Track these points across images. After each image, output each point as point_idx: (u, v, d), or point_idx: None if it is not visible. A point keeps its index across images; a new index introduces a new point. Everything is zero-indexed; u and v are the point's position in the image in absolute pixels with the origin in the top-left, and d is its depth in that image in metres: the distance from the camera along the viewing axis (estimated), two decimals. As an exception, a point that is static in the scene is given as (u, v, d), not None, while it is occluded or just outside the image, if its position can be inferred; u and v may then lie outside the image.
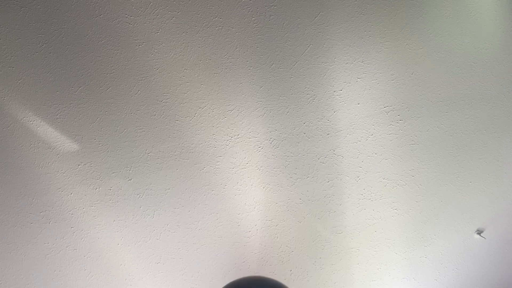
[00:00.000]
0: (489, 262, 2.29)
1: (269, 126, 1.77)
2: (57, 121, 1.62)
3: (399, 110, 1.84)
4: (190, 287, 1.94)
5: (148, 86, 1.63)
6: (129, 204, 1.77)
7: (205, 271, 1.90)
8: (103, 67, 1.58)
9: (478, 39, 1.85)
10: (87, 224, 1.77)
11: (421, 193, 2.00)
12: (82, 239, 1.79)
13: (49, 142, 1.64)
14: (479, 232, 2.17)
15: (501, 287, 2.41)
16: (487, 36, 1.86)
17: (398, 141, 1.89)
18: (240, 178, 1.82)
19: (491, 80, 1.91)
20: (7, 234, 1.73)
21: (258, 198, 1.86)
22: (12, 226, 1.73)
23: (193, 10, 1.57)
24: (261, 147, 1.79)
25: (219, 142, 1.75)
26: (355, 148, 1.86)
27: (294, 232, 1.93)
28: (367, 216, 1.99)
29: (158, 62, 1.61)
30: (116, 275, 1.88)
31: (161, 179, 1.75)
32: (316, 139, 1.81)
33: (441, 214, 2.07)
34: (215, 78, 1.67)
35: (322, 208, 1.92)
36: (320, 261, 2.00)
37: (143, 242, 1.84)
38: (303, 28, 1.66)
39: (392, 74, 1.79)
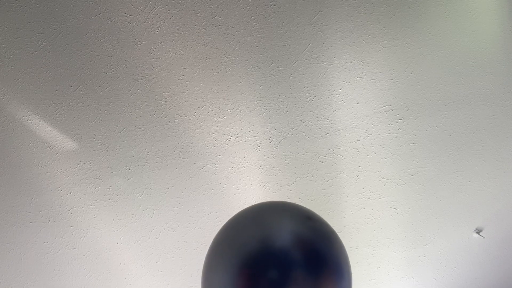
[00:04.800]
0: (488, 261, 2.29)
1: (269, 125, 1.77)
2: (56, 120, 1.62)
3: (398, 109, 1.84)
4: (189, 286, 1.94)
5: (148, 85, 1.63)
6: (128, 203, 1.77)
7: (204, 270, 1.90)
8: (102, 66, 1.58)
9: (477, 39, 1.85)
10: (87, 223, 1.77)
11: (420, 192, 2.01)
12: (82, 238, 1.79)
13: (48, 141, 1.64)
14: (478, 231, 2.18)
15: (500, 286, 2.42)
16: (486, 36, 1.86)
17: (397, 140, 1.89)
18: (239, 177, 1.82)
19: (491, 79, 1.91)
20: (6, 233, 1.73)
21: (258, 197, 1.86)
22: (11, 225, 1.73)
23: (192, 9, 1.57)
24: (260, 146, 1.79)
25: (219, 141, 1.75)
26: (355, 147, 1.86)
27: (293, 231, 1.93)
28: (366, 215, 1.99)
29: (157, 61, 1.61)
30: (116, 274, 1.88)
31: (161, 178, 1.75)
32: (315, 138, 1.82)
33: (440, 213, 2.07)
34: (215, 77, 1.67)
35: (321, 207, 1.93)
36: (319, 260, 2.00)
37: (143, 241, 1.84)
38: (302, 27, 1.66)
39: (391, 73, 1.79)
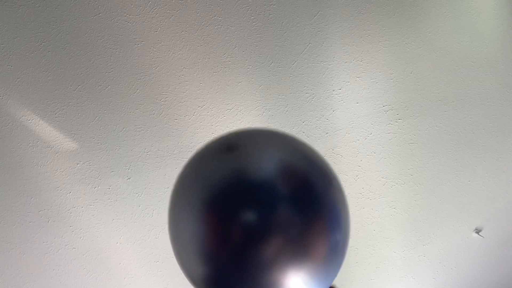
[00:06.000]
0: (487, 261, 2.29)
1: (268, 125, 1.77)
2: (56, 120, 1.62)
3: (398, 109, 1.84)
4: (188, 286, 1.94)
5: (147, 85, 1.63)
6: (128, 203, 1.77)
7: (204, 270, 1.90)
8: (102, 66, 1.58)
9: (477, 39, 1.85)
10: (86, 223, 1.77)
11: (420, 192, 2.01)
12: (81, 238, 1.79)
13: (47, 141, 1.64)
14: (478, 231, 2.18)
15: (499, 286, 2.42)
16: (486, 36, 1.86)
17: (397, 140, 1.89)
18: (239, 177, 1.82)
19: (490, 79, 1.91)
20: (6, 233, 1.73)
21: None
22: (11, 225, 1.73)
23: (192, 9, 1.57)
24: (260, 146, 1.78)
25: (218, 141, 1.75)
26: (354, 147, 1.86)
27: (293, 231, 1.93)
28: (366, 215, 1.99)
29: (157, 61, 1.61)
30: (115, 274, 1.88)
31: (160, 178, 1.75)
32: (315, 138, 1.82)
33: (440, 213, 2.08)
34: (214, 77, 1.67)
35: (321, 207, 1.92)
36: (319, 260, 2.00)
37: (142, 241, 1.84)
38: (302, 27, 1.66)
39: (391, 73, 1.79)
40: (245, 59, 1.67)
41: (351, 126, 1.83)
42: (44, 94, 1.58)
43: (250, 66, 1.68)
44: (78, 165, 1.69)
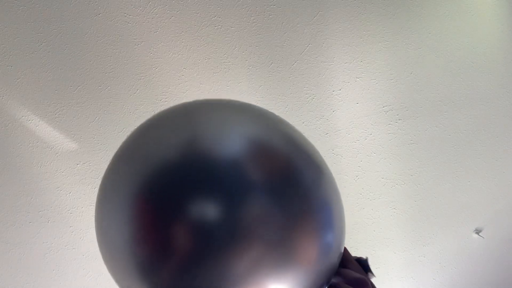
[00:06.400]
0: (488, 261, 2.29)
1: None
2: (56, 120, 1.62)
3: (398, 110, 1.84)
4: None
5: (147, 85, 1.63)
6: (128, 204, 1.77)
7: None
8: (102, 66, 1.58)
9: (477, 39, 1.85)
10: (86, 224, 1.77)
11: (420, 192, 2.01)
12: (81, 239, 1.79)
13: (47, 141, 1.64)
14: (478, 231, 2.18)
15: (499, 286, 2.42)
16: (486, 36, 1.86)
17: (397, 141, 1.89)
18: (239, 177, 1.81)
19: (490, 80, 1.91)
20: (5, 233, 1.73)
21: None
22: (11, 226, 1.73)
23: (192, 9, 1.57)
24: (260, 147, 1.78)
25: (218, 142, 1.75)
26: (354, 147, 1.86)
27: (293, 231, 1.93)
28: (366, 215, 1.99)
29: (157, 61, 1.61)
30: (115, 275, 1.88)
31: (160, 179, 1.75)
32: (315, 138, 1.82)
33: (440, 213, 2.08)
34: (214, 78, 1.67)
35: (321, 207, 1.92)
36: (319, 261, 2.00)
37: (142, 242, 1.84)
38: (302, 27, 1.66)
39: (391, 73, 1.79)
40: (245, 60, 1.67)
41: (351, 126, 1.83)
42: (44, 95, 1.58)
43: (250, 67, 1.68)
44: (78, 165, 1.69)
